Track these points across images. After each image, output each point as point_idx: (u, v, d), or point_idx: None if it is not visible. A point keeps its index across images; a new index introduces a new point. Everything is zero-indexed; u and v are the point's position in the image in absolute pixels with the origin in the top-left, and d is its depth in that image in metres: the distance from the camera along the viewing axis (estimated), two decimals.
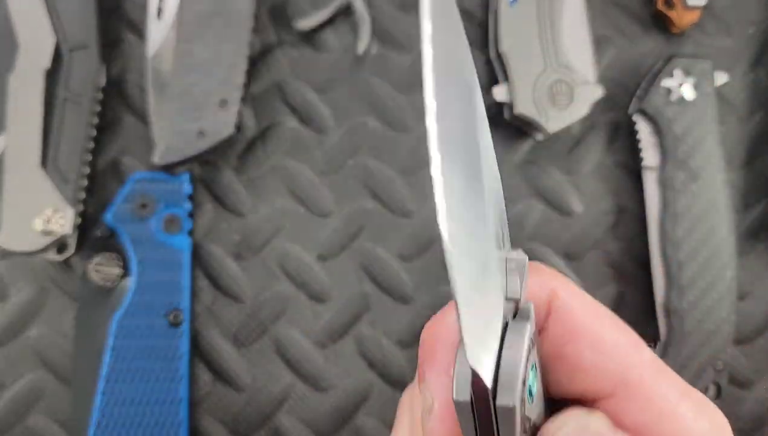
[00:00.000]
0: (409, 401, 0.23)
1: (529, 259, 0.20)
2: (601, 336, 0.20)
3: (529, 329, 0.18)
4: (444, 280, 0.46)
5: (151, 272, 0.44)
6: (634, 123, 0.47)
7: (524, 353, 0.17)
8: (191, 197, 0.47)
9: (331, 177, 0.48)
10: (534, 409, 0.18)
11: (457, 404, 0.17)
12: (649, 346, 0.21)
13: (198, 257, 0.47)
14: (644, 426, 0.19)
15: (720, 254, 0.44)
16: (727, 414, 0.53)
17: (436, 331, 0.20)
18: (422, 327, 0.20)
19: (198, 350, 0.47)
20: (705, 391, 0.44)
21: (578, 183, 0.48)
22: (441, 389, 0.19)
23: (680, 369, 0.44)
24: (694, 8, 0.47)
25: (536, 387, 0.18)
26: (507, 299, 0.18)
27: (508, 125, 0.48)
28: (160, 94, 0.45)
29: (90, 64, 0.45)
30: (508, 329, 0.17)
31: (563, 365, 0.21)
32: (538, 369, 0.19)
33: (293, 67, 0.49)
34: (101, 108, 0.46)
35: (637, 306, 0.47)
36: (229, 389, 0.47)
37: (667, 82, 0.46)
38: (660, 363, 0.20)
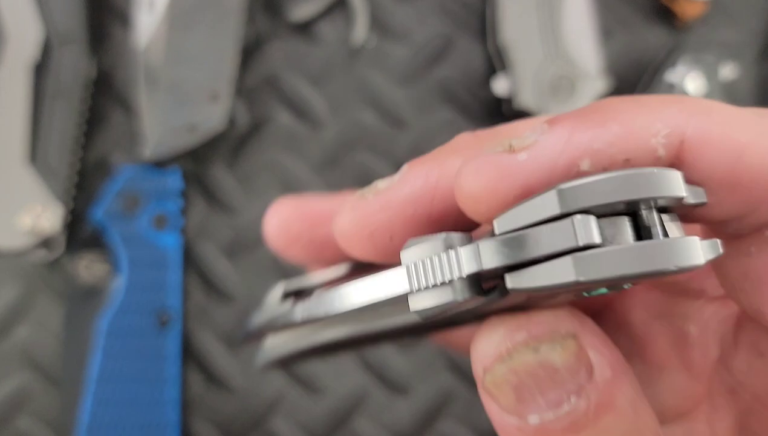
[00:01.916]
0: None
1: None
2: None
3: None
4: None
5: (140, 270, 0.43)
6: None
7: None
8: (182, 193, 0.46)
9: (326, 173, 0.47)
10: None
11: None
12: None
13: (189, 255, 0.46)
14: None
15: None
16: None
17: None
18: None
19: (190, 351, 0.46)
20: None
21: None
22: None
23: None
24: (698, 1, 0.46)
25: None
26: None
27: (506, 121, 0.47)
28: (151, 88, 0.44)
29: (79, 57, 0.44)
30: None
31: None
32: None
33: (287, 60, 0.48)
34: (91, 102, 0.45)
35: None
36: (222, 391, 0.46)
37: (670, 76, 0.45)
38: None
